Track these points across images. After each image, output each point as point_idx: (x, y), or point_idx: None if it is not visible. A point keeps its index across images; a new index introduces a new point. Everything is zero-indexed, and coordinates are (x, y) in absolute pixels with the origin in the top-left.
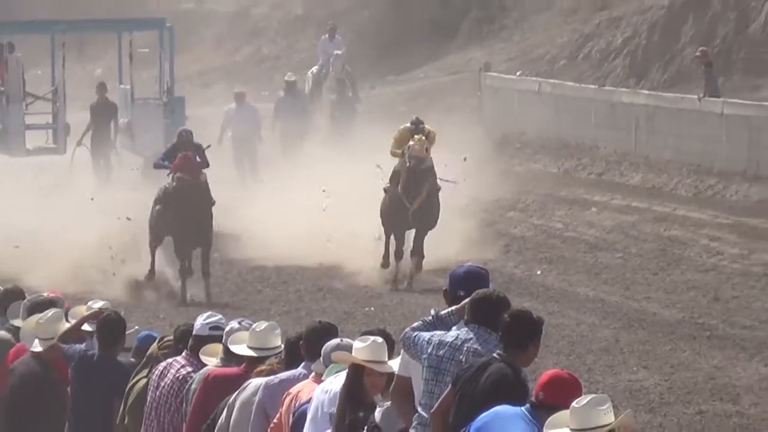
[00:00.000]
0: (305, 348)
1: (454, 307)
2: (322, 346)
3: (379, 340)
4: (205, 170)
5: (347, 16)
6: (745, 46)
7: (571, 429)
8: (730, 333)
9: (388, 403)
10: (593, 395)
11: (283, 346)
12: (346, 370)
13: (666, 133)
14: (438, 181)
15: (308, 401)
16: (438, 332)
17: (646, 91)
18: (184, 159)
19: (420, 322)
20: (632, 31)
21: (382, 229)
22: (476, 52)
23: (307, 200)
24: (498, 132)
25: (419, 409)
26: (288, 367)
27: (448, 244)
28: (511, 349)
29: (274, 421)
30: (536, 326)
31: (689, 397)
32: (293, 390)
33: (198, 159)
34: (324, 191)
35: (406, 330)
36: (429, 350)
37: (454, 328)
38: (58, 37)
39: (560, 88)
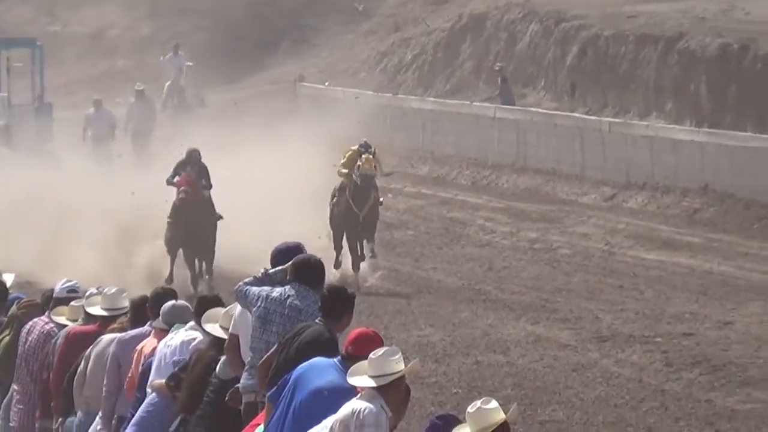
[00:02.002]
0: (150, 309)
1: (279, 267)
2: None
3: None
4: (209, 189)
5: (187, 37)
6: (513, 61)
7: (369, 376)
8: (501, 297)
9: (224, 356)
10: (387, 348)
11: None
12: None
13: (448, 132)
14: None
15: (152, 354)
16: (266, 288)
17: (432, 99)
18: (187, 177)
19: (251, 278)
20: (420, 49)
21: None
22: (292, 66)
23: (148, 183)
24: (311, 132)
25: (250, 354)
26: (134, 325)
27: (280, 225)
28: (328, 318)
29: (129, 375)
30: (349, 299)
31: (468, 350)
32: (139, 347)
33: (203, 180)
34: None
35: (239, 284)
36: (258, 303)
37: (278, 286)
38: None
39: (361, 96)
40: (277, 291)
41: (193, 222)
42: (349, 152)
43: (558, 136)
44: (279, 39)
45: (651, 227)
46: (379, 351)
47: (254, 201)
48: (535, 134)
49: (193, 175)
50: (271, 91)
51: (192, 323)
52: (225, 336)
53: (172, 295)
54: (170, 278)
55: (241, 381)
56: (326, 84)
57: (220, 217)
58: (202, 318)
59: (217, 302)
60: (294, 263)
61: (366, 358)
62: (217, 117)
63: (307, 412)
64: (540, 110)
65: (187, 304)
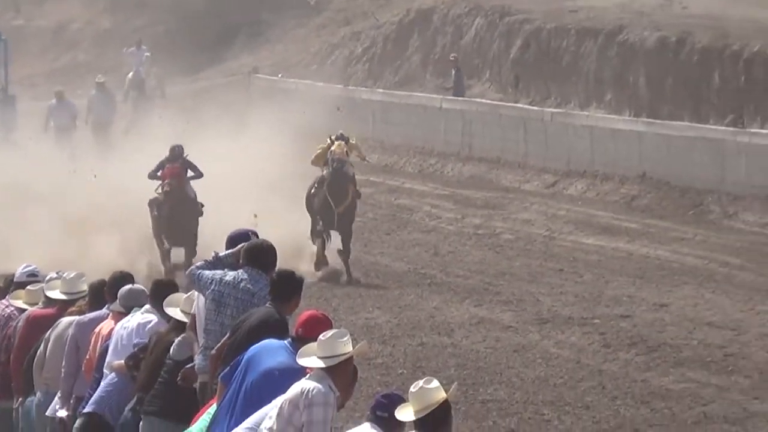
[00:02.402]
0: (108, 293)
1: (230, 251)
2: None
3: None
4: (200, 179)
5: (146, 31)
6: (460, 54)
7: (318, 357)
8: (446, 281)
9: (179, 338)
10: (336, 330)
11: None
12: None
13: (397, 123)
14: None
15: (110, 337)
16: (219, 272)
17: (381, 90)
18: (172, 169)
19: (203, 261)
20: (370, 42)
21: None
22: (247, 58)
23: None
24: (264, 122)
25: (203, 336)
26: (93, 308)
27: (237, 214)
28: (277, 301)
29: (87, 357)
30: (298, 283)
31: (414, 331)
32: (97, 329)
33: (190, 171)
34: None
35: (192, 268)
36: (212, 286)
37: (229, 270)
38: None
39: (313, 87)
40: (230, 275)
41: (178, 213)
42: (326, 143)
43: (502, 126)
44: (235, 33)
45: (590, 213)
46: (328, 333)
47: (212, 191)
48: (480, 124)
49: (178, 168)
50: (226, 83)
51: (147, 306)
52: (186, 320)
53: (129, 279)
54: (168, 269)
55: (196, 362)
56: (279, 76)
57: (201, 213)
58: (164, 302)
59: (172, 286)
60: (246, 248)
61: (316, 339)
62: (175, 108)
63: (258, 393)
64: (485, 101)
65: (143, 287)
